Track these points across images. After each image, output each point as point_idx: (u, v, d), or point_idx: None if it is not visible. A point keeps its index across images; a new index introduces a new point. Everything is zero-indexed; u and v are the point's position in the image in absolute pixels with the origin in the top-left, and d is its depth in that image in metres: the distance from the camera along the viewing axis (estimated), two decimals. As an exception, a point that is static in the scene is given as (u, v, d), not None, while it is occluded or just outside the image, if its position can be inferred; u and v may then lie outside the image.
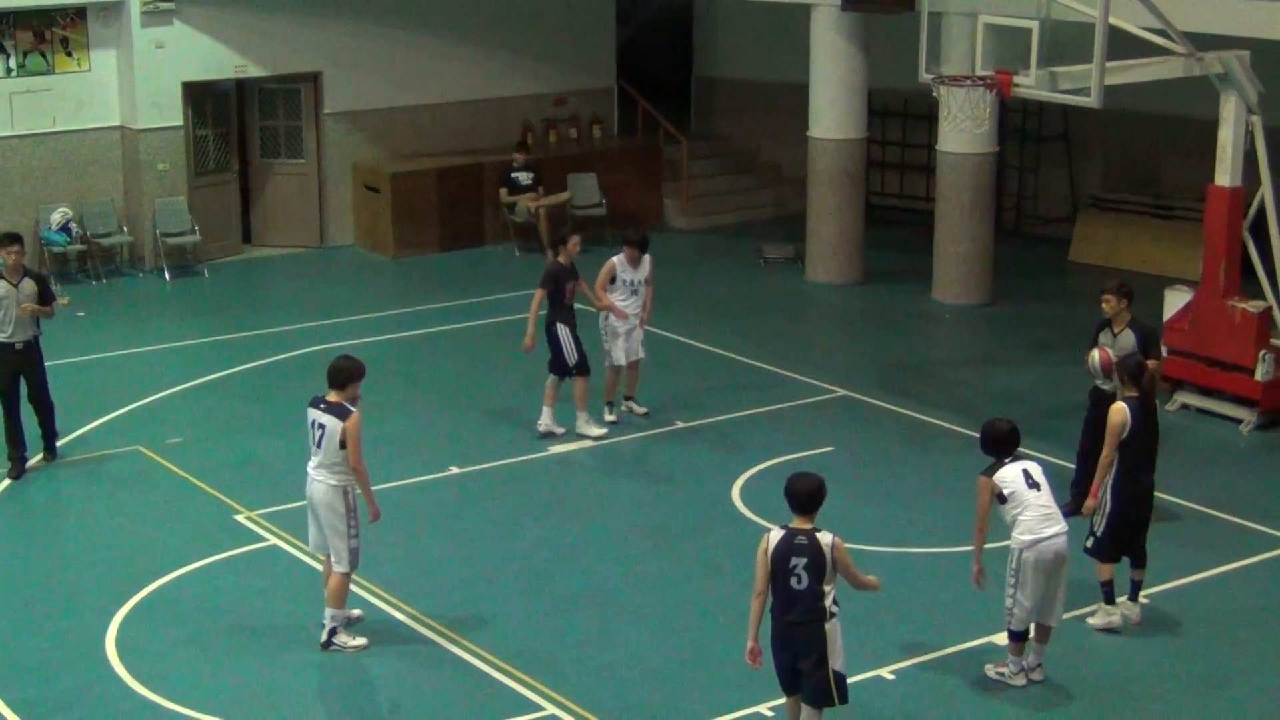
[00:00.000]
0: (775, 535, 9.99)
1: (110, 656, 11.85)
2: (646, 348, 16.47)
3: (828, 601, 9.92)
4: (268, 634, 12.26)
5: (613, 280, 16.09)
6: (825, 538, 9.92)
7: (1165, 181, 22.76)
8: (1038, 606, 11.26)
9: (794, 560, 9.88)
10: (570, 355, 15.88)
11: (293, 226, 23.48)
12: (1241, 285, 16.65)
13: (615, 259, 16.19)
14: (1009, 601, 11.29)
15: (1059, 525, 11.22)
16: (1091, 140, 23.56)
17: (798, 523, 10.00)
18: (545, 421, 16.09)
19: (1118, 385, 12.36)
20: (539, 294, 15.90)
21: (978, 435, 11.56)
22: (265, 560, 13.54)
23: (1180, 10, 16.01)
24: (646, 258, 16.24)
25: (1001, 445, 11.24)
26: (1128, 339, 13.66)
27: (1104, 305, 13.83)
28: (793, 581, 9.89)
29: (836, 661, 10.01)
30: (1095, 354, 13.63)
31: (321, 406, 11.82)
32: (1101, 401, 13.78)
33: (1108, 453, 12.03)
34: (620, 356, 16.17)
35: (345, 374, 11.87)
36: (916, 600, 12.62)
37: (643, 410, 16.58)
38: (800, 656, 10.01)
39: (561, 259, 15.98)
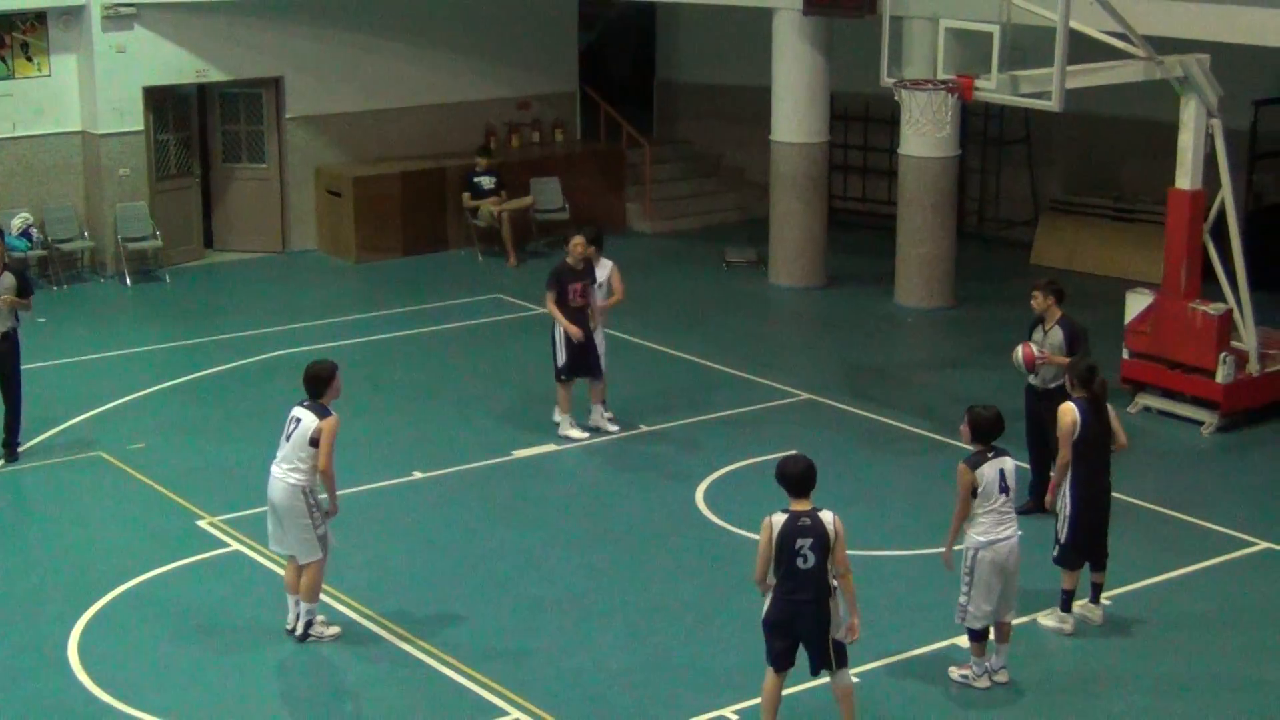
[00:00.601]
0: (778, 518, 10.16)
1: (72, 663, 11.78)
2: (605, 361, 16.28)
3: (830, 578, 10.12)
4: (231, 639, 12.21)
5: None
6: (828, 516, 10.18)
7: (1126, 184, 22.86)
8: (996, 606, 11.34)
9: (800, 541, 10.08)
10: (559, 357, 15.85)
11: (255, 231, 23.38)
12: (1202, 288, 16.74)
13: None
14: (963, 599, 11.37)
15: (1014, 527, 11.36)
16: (1053, 144, 23.63)
17: (797, 505, 10.20)
18: (563, 426, 16.10)
19: (1067, 385, 12.41)
20: (549, 297, 15.87)
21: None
22: (228, 566, 13.48)
23: (1140, 14, 16.09)
24: (608, 261, 16.25)
25: (986, 432, 11.29)
26: (1056, 335, 13.86)
27: (1032, 302, 14.04)
28: (799, 562, 10.07)
29: (835, 632, 10.27)
30: (1019, 350, 13.86)
31: (305, 404, 11.83)
32: (1034, 398, 13.96)
33: (1064, 454, 12.07)
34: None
35: (317, 383, 11.83)
36: (882, 603, 12.60)
37: (608, 416, 16.53)
38: (806, 634, 10.25)
39: (569, 259, 15.96)
